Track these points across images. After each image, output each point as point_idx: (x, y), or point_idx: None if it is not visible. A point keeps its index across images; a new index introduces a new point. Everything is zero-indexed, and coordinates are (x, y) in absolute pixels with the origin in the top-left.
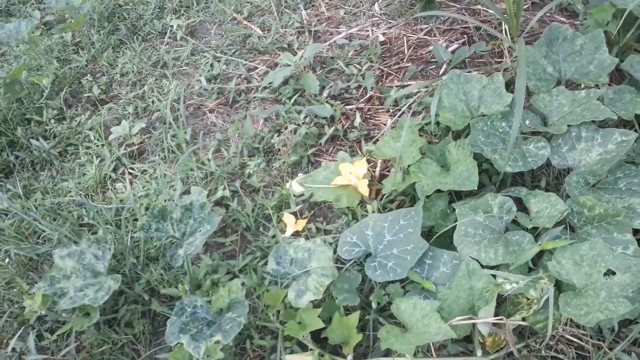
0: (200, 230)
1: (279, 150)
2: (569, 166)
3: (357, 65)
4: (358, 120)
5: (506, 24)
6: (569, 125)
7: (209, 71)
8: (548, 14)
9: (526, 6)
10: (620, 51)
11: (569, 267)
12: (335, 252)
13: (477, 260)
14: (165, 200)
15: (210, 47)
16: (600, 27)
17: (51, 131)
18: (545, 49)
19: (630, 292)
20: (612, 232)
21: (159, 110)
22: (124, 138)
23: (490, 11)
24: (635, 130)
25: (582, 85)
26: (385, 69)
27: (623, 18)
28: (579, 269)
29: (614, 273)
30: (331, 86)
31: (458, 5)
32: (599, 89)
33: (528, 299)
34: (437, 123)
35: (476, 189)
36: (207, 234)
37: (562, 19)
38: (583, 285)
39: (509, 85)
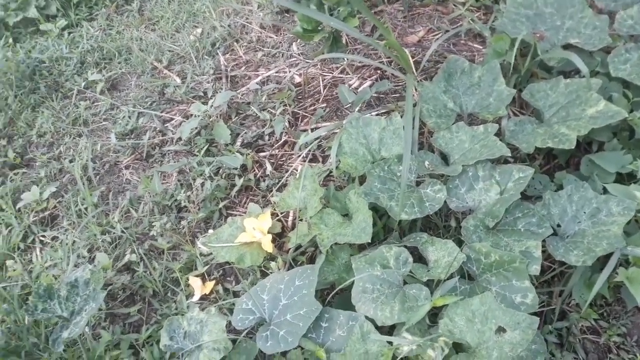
0: (85, 309)
1: (185, 207)
2: (469, 207)
3: (272, 110)
4: (269, 168)
5: (401, 63)
6: (463, 165)
7: (125, 125)
8: (462, 41)
9: (440, 35)
10: (524, 79)
11: (462, 324)
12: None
13: (373, 320)
14: (60, 275)
15: (128, 100)
16: (500, 56)
17: None
18: (445, 83)
19: (520, 351)
20: (510, 279)
21: (70, 172)
22: (37, 203)
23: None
24: (540, 164)
25: (487, 120)
26: (300, 112)
27: (516, 46)
28: (471, 326)
29: (505, 330)
30: (245, 133)
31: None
32: (500, 122)
33: None
34: None
35: (370, 241)
36: (91, 313)
37: (476, 45)
38: (476, 344)
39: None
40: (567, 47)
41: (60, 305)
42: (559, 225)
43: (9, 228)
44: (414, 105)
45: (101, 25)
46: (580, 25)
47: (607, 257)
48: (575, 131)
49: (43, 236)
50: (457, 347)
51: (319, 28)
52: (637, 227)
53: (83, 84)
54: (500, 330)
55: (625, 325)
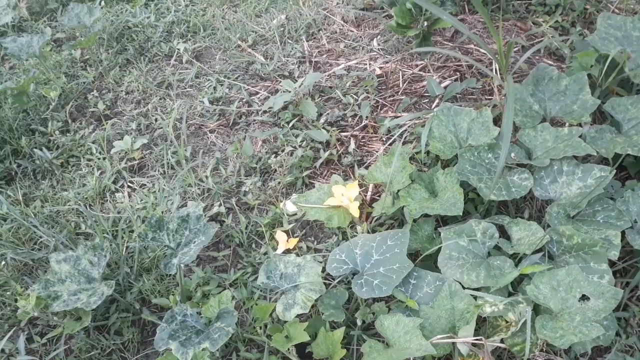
0: (195, 241)
1: (275, 170)
2: (550, 198)
3: (354, 95)
4: (352, 146)
5: (497, 63)
6: (551, 159)
7: (212, 93)
8: (537, 57)
9: (516, 49)
10: (602, 94)
11: (547, 291)
12: (324, 269)
13: (460, 282)
14: (162, 213)
15: (214, 71)
16: (585, 70)
17: (55, 142)
18: (532, 87)
19: (603, 317)
20: (589, 261)
21: (161, 127)
22: (126, 152)
23: (481, 51)
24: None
25: (567, 124)
26: (380, 100)
27: (608, 61)
28: (555, 294)
29: (588, 299)
30: (328, 113)
31: (452, 44)
32: (582, 127)
33: (507, 322)
34: (427, 152)
35: (461, 214)
36: (201, 245)
37: (549, 62)
38: (559, 310)
39: (497, 120)
40: None
41: (168, 237)
42: (635, 222)
43: (100, 171)
44: (495, 105)
45: (185, 1)
46: None
47: None
48: None
49: (131, 182)
50: (537, 313)
51: (411, 25)
52: None
53: (169, 51)
54: (584, 298)
55: None
